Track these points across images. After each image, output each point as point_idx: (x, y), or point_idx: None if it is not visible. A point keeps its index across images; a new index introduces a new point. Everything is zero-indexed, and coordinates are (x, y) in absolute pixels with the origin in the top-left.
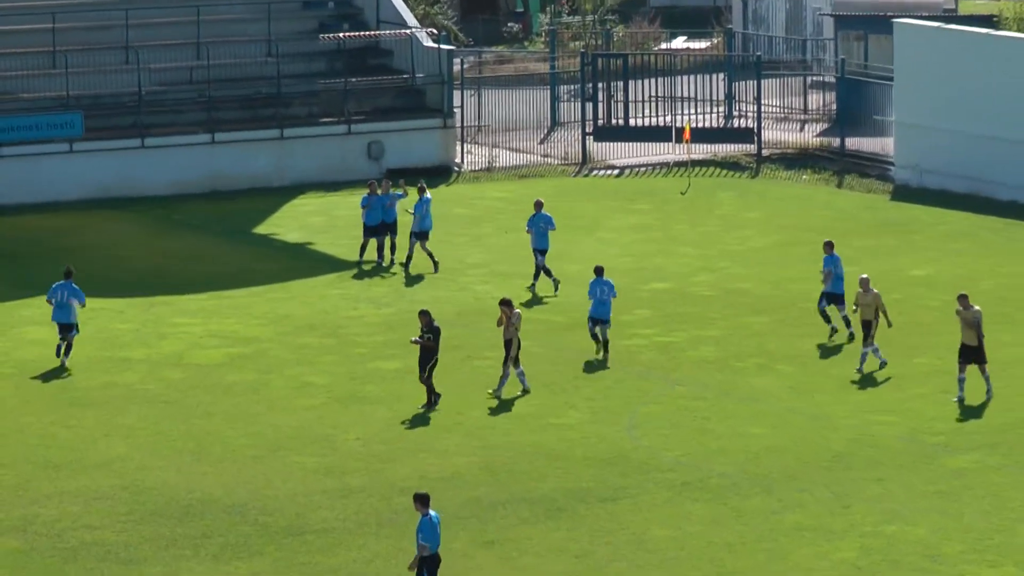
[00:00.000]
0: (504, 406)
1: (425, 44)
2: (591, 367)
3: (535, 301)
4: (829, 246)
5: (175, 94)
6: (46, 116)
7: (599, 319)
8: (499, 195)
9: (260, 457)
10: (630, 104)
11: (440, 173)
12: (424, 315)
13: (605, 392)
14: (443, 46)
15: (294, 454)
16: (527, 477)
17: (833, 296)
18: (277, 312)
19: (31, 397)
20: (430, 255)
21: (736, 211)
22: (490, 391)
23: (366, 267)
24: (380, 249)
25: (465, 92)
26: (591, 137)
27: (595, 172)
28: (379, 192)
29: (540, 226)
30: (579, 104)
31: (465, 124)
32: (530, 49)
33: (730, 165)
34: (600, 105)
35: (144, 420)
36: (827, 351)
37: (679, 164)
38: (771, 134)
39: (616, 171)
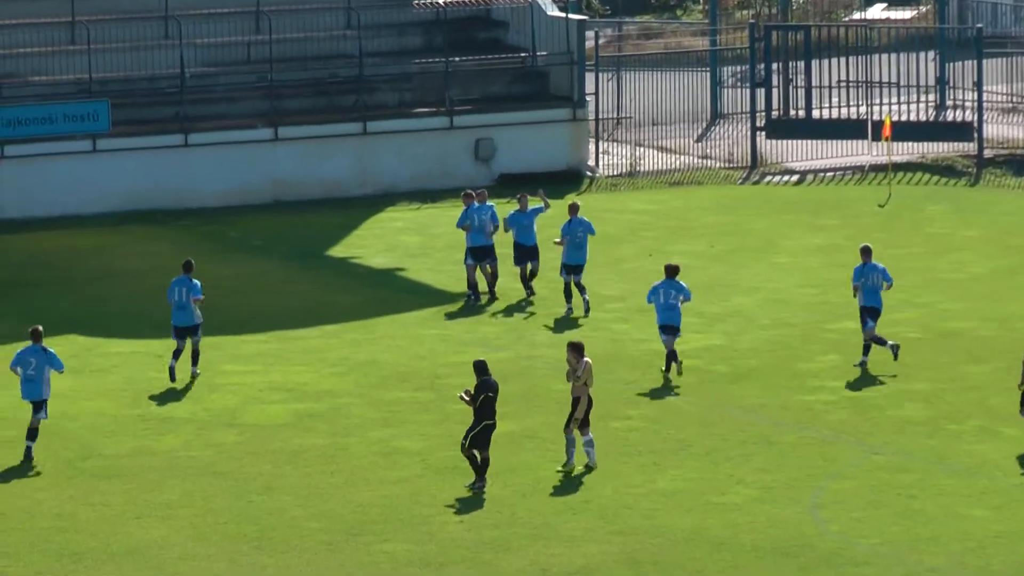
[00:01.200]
0: (646, 480)
1: (549, 13)
2: (762, 430)
3: (683, 342)
4: None
5: (227, 77)
6: (63, 105)
7: (669, 326)
8: (643, 207)
9: (336, 544)
10: (813, 91)
11: (568, 180)
12: (478, 367)
13: (781, 462)
14: (573, 16)
15: (380, 540)
16: (680, 571)
17: None
18: (357, 358)
19: (45, 466)
20: (525, 283)
21: (950, 228)
22: (559, 468)
23: (481, 301)
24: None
25: (601, 75)
26: (763, 133)
27: (768, 178)
28: (475, 202)
29: (578, 235)
30: (747, 91)
31: (601, 116)
32: (684, 19)
33: (943, 170)
34: (775, 92)
35: (187, 496)
36: None
37: (876, 168)
38: (995, 129)
39: (795, 177)
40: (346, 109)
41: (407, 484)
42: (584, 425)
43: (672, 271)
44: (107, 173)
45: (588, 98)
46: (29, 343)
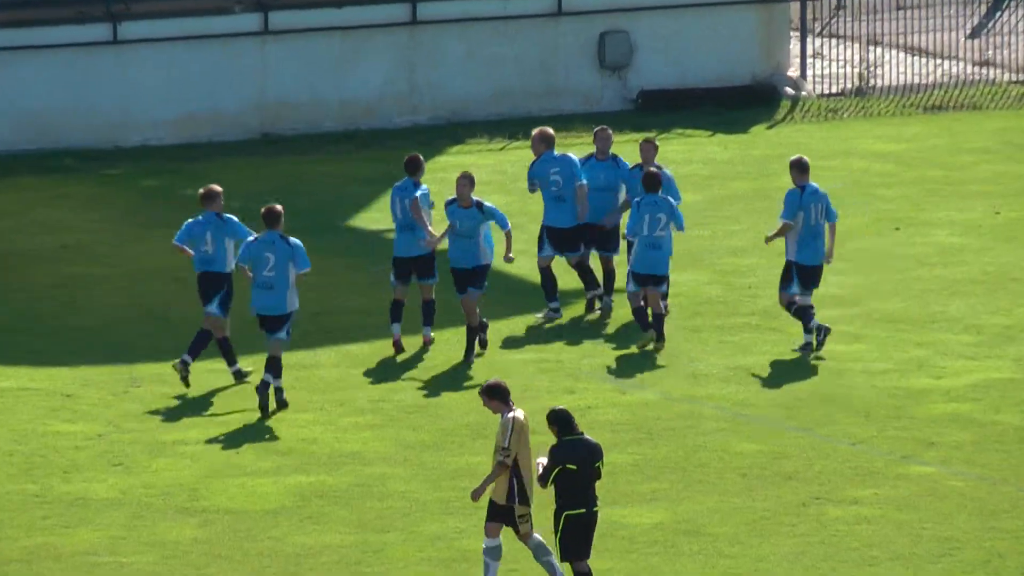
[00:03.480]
0: None
1: None
2: None
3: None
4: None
5: None
6: None
7: (652, 275)
8: (881, 148)
9: None
10: None
11: (755, 101)
12: (558, 420)
13: None
14: None
15: None
16: None
17: None
18: (399, 399)
19: None
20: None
21: None
22: None
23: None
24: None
25: None
26: None
27: None
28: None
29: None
30: None
31: None
32: None
33: None
34: None
35: None
36: None
37: None
38: None
39: None
40: None
41: None
42: (523, 521)
43: (652, 182)
44: None
45: None
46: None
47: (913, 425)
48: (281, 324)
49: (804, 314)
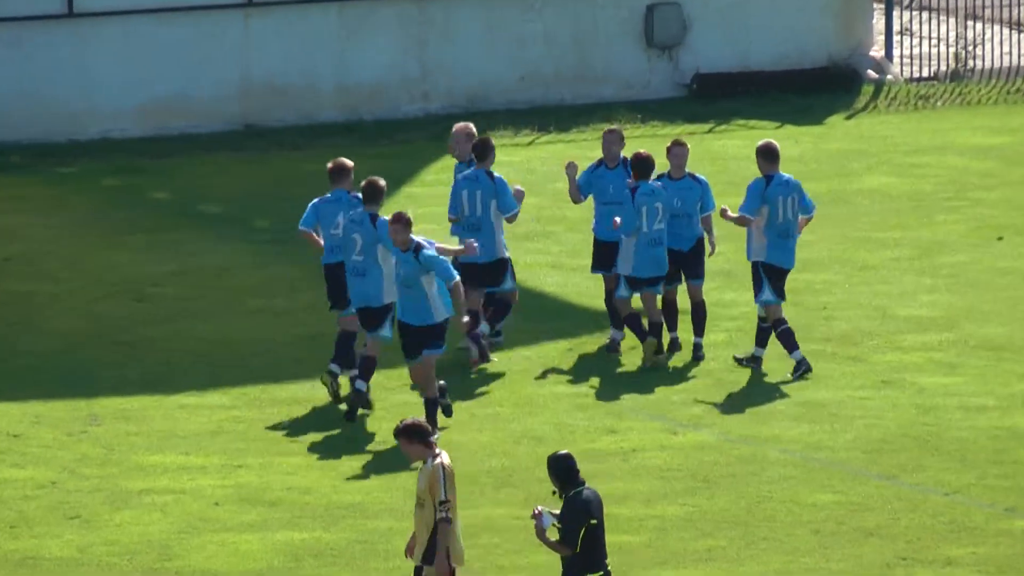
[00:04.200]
0: None
1: None
2: None
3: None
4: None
5: None
6: None
7: (654, 278)
8: (982, 142)
9: None
10: None
11: (832, 86)
12: (561, 468)
13: None
14: None
15: None
16: None
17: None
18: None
19: None
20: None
21: None
22: None
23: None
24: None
25: None
26: None
27: None
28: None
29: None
30: None
31: None
32: None
33: None
34: None
35: None
36: None
37: None
38: None
39: None
40: None
41: None
42: None
43: (644, 167)
44: None
45: None
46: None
47: (1018, 472)
48: (381, 319)
49: (788, 339)
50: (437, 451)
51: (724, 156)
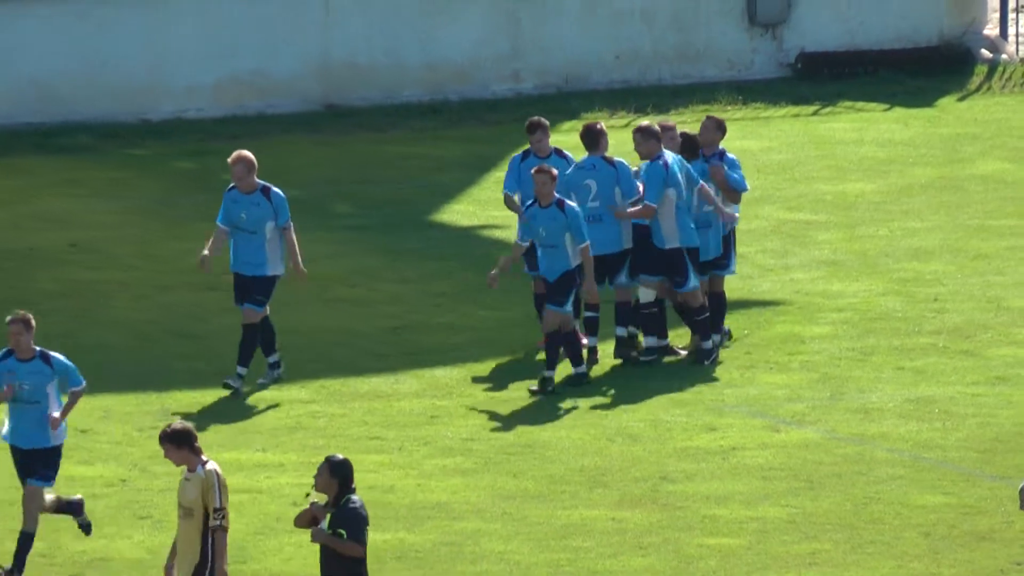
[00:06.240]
0: None
1: None
2: None
3: None
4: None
5: None
6: None
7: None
8: None
9: None
10: None
11: (942, 66)
12: (338, 470)
13: None
14: None
15: None
16: None
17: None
18: (497, 437)
19: None
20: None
21: None
22: None
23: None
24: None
25: None
26: None
27: None
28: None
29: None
30: None
31: None
32: None
33: None
34: None
35: None
36: None
37: None
38: None
39: None
40: None
41: None
42: None
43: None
44: None
45: None
46: None
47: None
48: (619, 266)
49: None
50: (206, 458)
51: (830, 140)
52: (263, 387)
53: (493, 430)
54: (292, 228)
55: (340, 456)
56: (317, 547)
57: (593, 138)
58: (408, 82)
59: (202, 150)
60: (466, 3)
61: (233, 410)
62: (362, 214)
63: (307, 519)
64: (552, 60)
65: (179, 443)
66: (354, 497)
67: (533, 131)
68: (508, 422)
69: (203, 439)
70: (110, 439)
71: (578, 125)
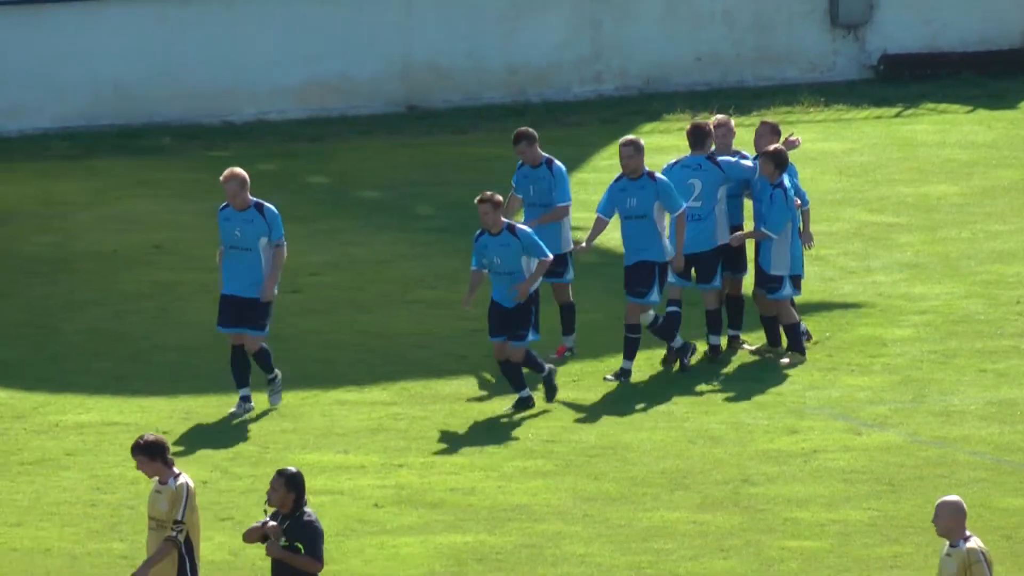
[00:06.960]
0: None
1: None
2: None
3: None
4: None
5: None
6: None
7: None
8: None
9: None
10: None
11: (1021, 69)
12: (293, 482)
13: None
14: None
15: None
16: None
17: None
18: (578, 438)
19: None
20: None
21: None
22: None
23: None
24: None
25: None
26: None
27: None
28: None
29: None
30: None
31: None
32: None
33: None
34: None
35: None
36: None
37: None
38: None
39: None
40: None
41: None
42: None
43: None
44: (55, 48)
45: None
46: None
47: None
48: (713, 267)
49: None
50: (178, 471)
51: (912, 142)
52: (275, 406)
53: (574, 432)
54: (284, 247)
55: (293, 468)
56: (398, 549)
57: (700, 137)
58: (489, 84)
59: (284, 152)
60: (547, 5)
61: (315, 412)
62: (442, 216)
63: (257, 535)
64: (633, 62)
65: (152, 455)
66: (308, 510)
67: (518, 142)
68: (589, 424)
69: (284, 441)
70: (190, 440)
71: (660, 126)
